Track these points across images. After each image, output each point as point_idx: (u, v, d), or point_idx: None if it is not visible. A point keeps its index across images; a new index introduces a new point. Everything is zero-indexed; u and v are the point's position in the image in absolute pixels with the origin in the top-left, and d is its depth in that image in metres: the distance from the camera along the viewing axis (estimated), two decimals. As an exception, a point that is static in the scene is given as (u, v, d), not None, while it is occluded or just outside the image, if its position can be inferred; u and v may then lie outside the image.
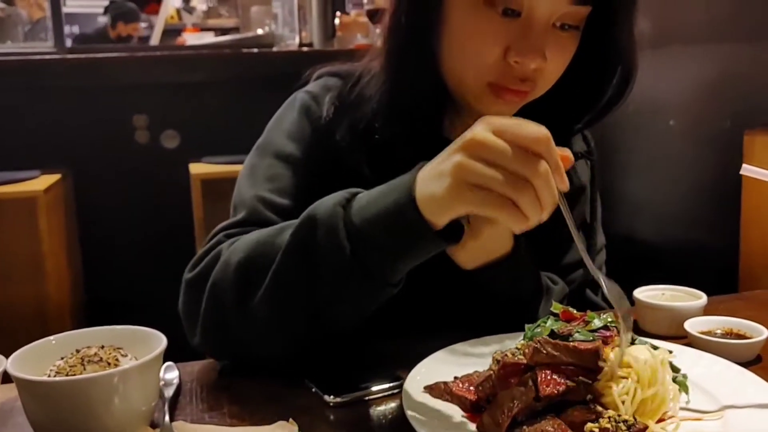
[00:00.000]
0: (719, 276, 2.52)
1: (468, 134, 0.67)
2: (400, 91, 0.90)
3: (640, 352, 0.69)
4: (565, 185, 0.67)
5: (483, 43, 0.83)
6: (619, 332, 0.69)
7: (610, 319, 0.71)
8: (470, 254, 0.86)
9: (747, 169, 0.70)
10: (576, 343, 0.67)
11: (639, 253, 3.16)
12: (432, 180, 0.69)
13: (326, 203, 0.75)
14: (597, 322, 0.71)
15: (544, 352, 0.67)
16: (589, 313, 0.75)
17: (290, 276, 0.76)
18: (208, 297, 0.82)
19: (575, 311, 0.76)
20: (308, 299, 0.76)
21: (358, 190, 0.77)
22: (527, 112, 0.90)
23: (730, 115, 2.77)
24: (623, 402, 0.64)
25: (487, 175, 0.64)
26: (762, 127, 2.59)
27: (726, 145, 2.69)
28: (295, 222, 0.77)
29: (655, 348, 0.72)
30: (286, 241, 0.76)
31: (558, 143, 0.86)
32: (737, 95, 2.75)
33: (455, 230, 0.73)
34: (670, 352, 0.72)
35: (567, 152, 0.68)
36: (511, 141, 0.65)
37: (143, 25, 6.33)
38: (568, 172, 0.97)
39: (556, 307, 0.76)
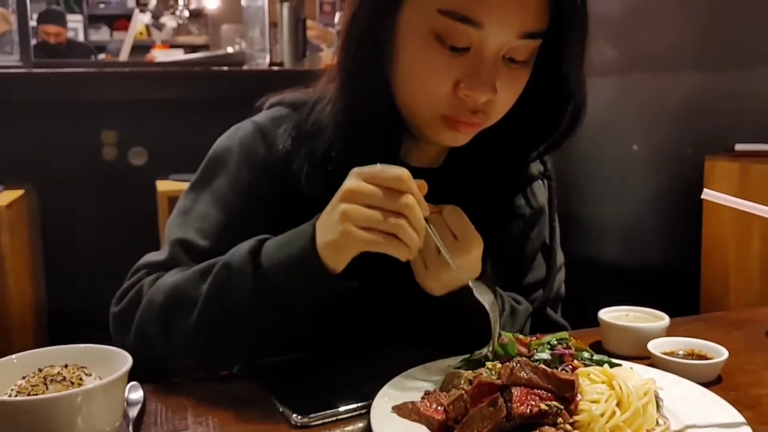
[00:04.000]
0: (682, 295, 2.57)
1: (344, 186, 0.78)
2: (356, 118, 0.90)
3: (630, 378, 0.70)
4: (427, 211, 0.79)
5: (433, 77, 0.84)
6: (571, 347, 0.72)
7: (561, 338, 0.73)
8: (441, 283, 0.88)
9: (708, 194, 0.72)
10: (554, 370, 0.68)
11: (604, 273, 3.21)
12: (327, 228, 0.79)
13: (240, 251, 0.84)
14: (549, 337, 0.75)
15: (523, 373, 0.67)
16: (532, 342, 0.80)
17: (211, 319, 0.85)
18: (135, 333, 0.90)
19: (522, 337, 0.82)
20: (229, 338, 0.86)
21: (266, 236, 0.86)
22: (484, 140, 0.93)
23: (692, 141, 2.85)
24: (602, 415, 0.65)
25: (369, 216, 0.76)
26: (722, 152, 2.67)
27: (688, 169, 2.76)
28: (215, 267, 0.85)
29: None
30: (206, 288, 0.85)
31: (516, 169, 1.00)
32: (699, 122, 2.83)
33: (351, 272, 0.82)
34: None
35: (421, 182, 0.80)
36: (379, 184, 0.76)
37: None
38: (525, 196, 1.02)
39: (506, 336, 0.81)
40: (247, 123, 0.99)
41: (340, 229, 0.77)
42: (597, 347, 1.01)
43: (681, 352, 0.92)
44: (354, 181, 0.78)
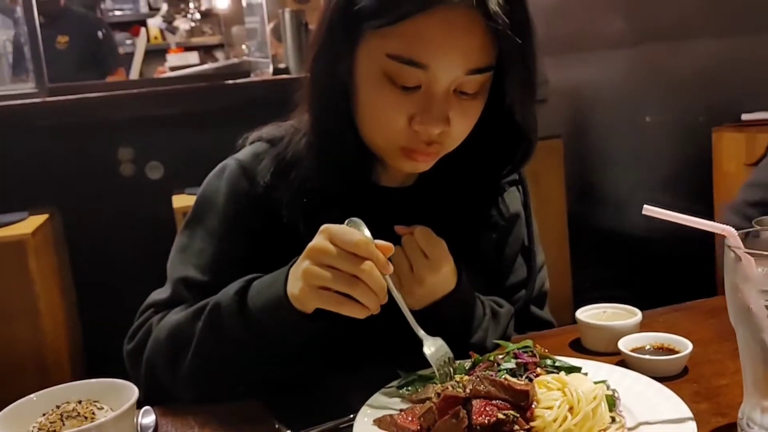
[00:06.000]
0: (696, 263, 2.59)
1: (311, 244, 0.85)
2: (327, 149, 0.98)
3: (581, 383, 0.77)
4: (388, 271, 0.84)
5: (388, 114, 0.91)
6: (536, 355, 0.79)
7: (524, 347, 0.80)
8: (416, 298, 0.94)
9: (648, 210, 0.77)
10: (510, 382, 0.75)
11: (621, 243, 3.23)
12: (293, 281, 0.86)
13: (229, 292, 0.93)
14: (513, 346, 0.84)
15: (482, 386, 0.75)
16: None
17: (206, 355, 0.93)
18: (144, 368, 0.99)
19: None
20: (223, 371, 0.94)
21: (255, 276, 0.94)
22: (452, 161, 0.99)
23: (702, 111, 2.85)
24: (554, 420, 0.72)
25: (325, 277, 0.82)
26: (729, 123, 2.67)
27: (699, 140, 2.77)
28: (207, 307, 0.94)
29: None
30: (200, 326, 0.94)
31: (486, 185, 1.06)
32: (709, 92, 2.84)
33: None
34: (612, 389, 0.81)
35: (387, 244, 0.85)
36: (340, 246, 0.82)
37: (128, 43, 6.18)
38: (497, 206, 1.07)
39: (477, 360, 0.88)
40: (231, 161, 1.07)
41: (300, 285, 0.84)
42: (577, 345, 1.07)
43: (649, 347, 0.97)
44: (320, 239, 0.84)
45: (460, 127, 0.92)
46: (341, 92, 0.94)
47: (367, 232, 0.86)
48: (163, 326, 0.99)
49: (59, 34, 4.05)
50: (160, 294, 1.06)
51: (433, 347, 0.88)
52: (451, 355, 0.88)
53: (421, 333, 0.89)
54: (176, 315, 0.99)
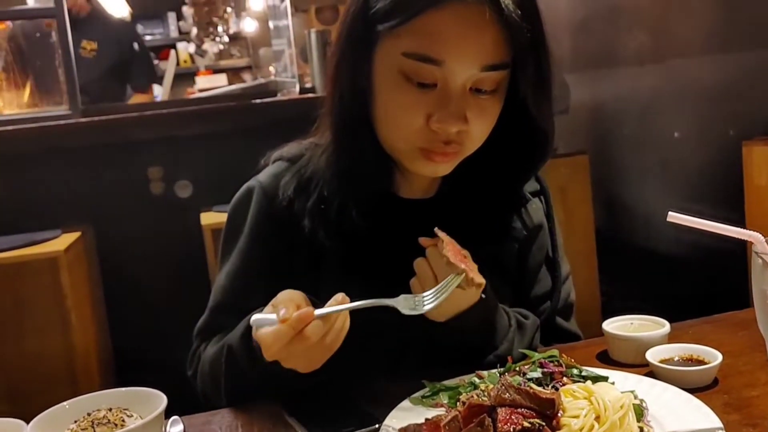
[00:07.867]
0: (728, 278, 2.55)
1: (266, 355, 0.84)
2: (348, 159, 1.00)
3: (607, 392, 0.76)
4: (311, 316, 0.81)
5: (406, 113, 0.92)
6: (562, 365, 0.78)
7: (550, 356, 0.80)
8: (441, 311, 0.94)
9: (673, 217, 0.77)
10: (536, 390, 0.74)
11: (649, 260, 3.19)
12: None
13: (236, 334, 0.96)
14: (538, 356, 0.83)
15: (507, 395, 0.74)
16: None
17: (234, 386, 1.00)
18: (201, 393, 1.10)
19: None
20: (248, 393, 0.98)
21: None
22: (473, 168, 1.00)
23: (732, 124, 2.82)
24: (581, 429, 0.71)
25: (302, 358, 0.84)
26: (760, 136, 2.64)
27: (729, 153, 2.74)
28: (224, 348, 0.99)
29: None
30: (224, 367, 0.99)
31: (508, 192, 1.07)
32: (737, 105, 2.81)
33: None
34: (639, 399, 0.80)
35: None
36: (279, 346, 0.82)
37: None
38: (521, 217, 1.08)
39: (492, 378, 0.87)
40: (253, 182, 1.10)
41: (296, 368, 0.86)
42: (604, 356, 1.06)
43: (677, 359, 0.96)
44: (265, 351, 0.83)
45: (478, 127, 0.93)
46: (360, 99, 0.97)
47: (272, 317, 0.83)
48: (204, 359, 1.06)
49: (84, 39, 3.51)
50: (201, 322, 1.11)
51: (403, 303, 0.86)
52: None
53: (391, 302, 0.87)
54: (212, 348, 1.05)
